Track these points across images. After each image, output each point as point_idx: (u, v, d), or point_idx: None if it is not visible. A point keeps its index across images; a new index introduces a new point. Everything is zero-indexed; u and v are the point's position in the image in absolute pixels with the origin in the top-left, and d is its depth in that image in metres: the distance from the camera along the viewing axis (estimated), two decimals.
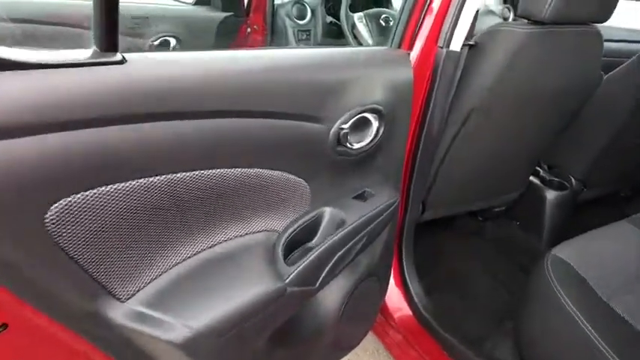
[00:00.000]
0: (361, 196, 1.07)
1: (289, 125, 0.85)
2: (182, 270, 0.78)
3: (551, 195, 1.89)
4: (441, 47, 1.17)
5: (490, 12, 2.39)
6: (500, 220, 2.10)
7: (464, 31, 1.16)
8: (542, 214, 1.93)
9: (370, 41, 2.40)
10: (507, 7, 2.38)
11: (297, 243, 0.95)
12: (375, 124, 0.99)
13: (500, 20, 2.36)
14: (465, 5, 1.12)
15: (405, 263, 1.44)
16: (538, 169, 1.95)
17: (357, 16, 2.46)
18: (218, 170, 0.77)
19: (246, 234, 0.87)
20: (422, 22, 1.12)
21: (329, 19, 2.65)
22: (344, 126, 0.93)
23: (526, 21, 1.24)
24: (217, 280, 0.80)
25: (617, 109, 1.65)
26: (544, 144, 1.70)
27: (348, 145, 0.96)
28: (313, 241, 0.96)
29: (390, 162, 1.13)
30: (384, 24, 2.49)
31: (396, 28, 1.10)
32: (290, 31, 2.41)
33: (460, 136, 1.42)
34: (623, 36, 2.17)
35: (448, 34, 1.15)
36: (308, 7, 2.52)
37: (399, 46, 1.11)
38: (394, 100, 1.03)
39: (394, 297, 1.49)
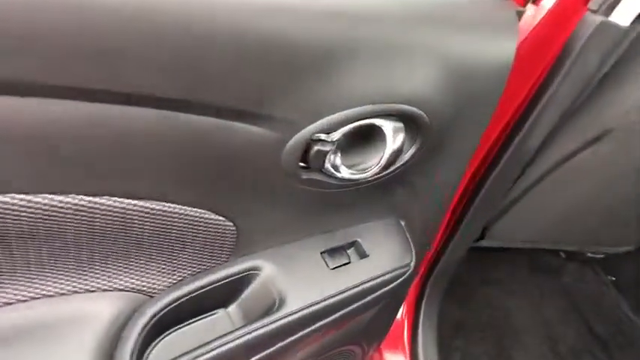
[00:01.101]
0: (342, 252, 0.61)
1: (205, 125, 0.41)
2: None
3: None
4: (594, 11, 0.64)
5: None
6: (589, 266, 1.56)
7: None
8: None
9: None
10: None
11: (178, 323, 0.55)
12: (394, 141, 0.51)
13: None
14: None
15: (420, 329, 1.00)
16: None
17: None
18: (51, 197, 0.42)
19: (86, 290, 0.47)
20: None
21: None
22: (324, 137, 0.46)
23: None
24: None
25: None
26: None
27: (330, 169, 0.50)
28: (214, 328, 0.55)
29: (421, 196, 0.65)
30: None
31: None
32: None
33: (575, 161, 0.90)
34: None
35: None
36: None
37: None
38: (459, 98, 0.53)
39: None
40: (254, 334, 0.51)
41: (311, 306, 0.54)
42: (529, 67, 0.70)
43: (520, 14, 0.58)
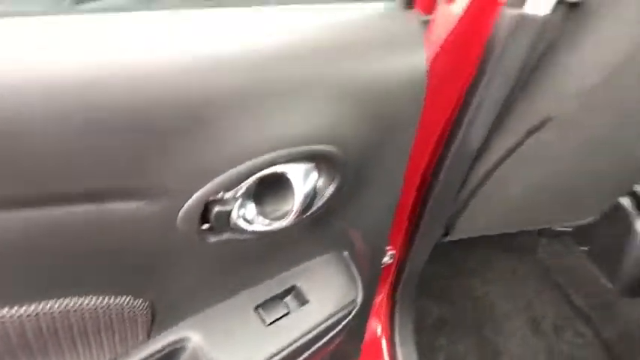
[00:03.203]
0: (279, 303, 0.57)
1: (79, 213, 0.37)
2: None
3: None
4: (507, 6, 0.61)
5: None
6: (561, 240, 1.55)
7: None
8: (626, 249, 1.38)
9: None
10: None
11: None
12: (304, 184, 0.47)
13: None
14: None
15: (398, 341, 0.98)
16: None
17: None
18: None
19: None
20: None
21: None
22: (225, 195, 0.42)
23: None
24: None
25: None
26: None
27: (241, 225, 0.46)
28: None
29: (360, 223, 0.62)
30: None
31: None
32: None
33: (520, 151, 0.88)
34: None
35: None
36: None
37: (408, 3, 0.53)
38: (374, 124, 0.50)
39: None
40: None
41: None
42: (455, 70, 0.67)
43: (426, 23, 0.55)
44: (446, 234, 1.19)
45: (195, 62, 0.37)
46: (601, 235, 1.46)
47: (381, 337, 1.05)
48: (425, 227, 0.95)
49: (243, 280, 0.55)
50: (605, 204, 1.32)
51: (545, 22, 0.63)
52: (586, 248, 1.55)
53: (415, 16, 0.52)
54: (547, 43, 0.68)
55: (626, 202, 1.37)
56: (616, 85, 0.73)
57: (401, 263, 1.02)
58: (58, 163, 0.34)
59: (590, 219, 1.35)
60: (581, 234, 1.53)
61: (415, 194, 0.90)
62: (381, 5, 0.51)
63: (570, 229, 1.52)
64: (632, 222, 1.35)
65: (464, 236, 1.23)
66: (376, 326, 1.06)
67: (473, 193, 1.04)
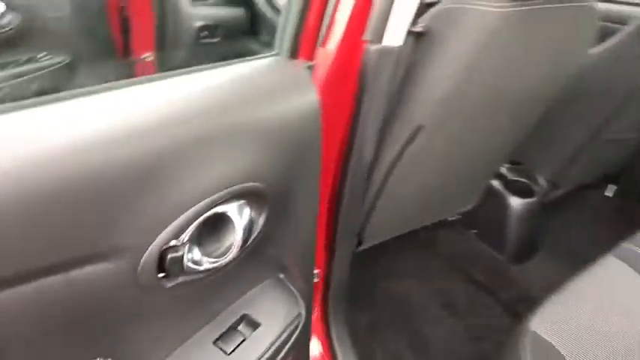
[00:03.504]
0: (235, 332, 0.62)
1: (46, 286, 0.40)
2: None
3: (515, 202, 1.56)
4: (371, 42, 0.72)
5: None
6: (455, 229, 1.75)
7: (406, 14, 0.72)
8: (505, 224, 1.60)
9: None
10: None
11: None
12: (242, 218, 0.54)
13: None
14: None
15: (339, 352, 1.04)
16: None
17: None
18: None
19: None
20: (328, 8, 0.65)
21: None
22: (175, 242, 0.47)
23: None
24: None
25: (603, 99, 1.29)
26: (512, 147, 1.33)
27: (192, 267, 0.51)
28: None
29: (288, 247, 0.69)
30: None
31: (285, 25, 0.62)
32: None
33: (404, 157, 1.02)
34: None
35: (378, 20, 0.70)
36: None
37: (293, 55, 0.63)
38: (287, 156, 0.58)
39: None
40: None
41: None
42: (340, 98, 0.78)
43: (311, 68, 0.65)
44: (359, 244, 1.29)
45: (134, 133, 0.43)
46: (483, 216, 1.67)
47: (323, 355, 1.11)
48: (340, 241, 1.04)
49: (199, 318, 0.59)
50: (480, 189, 1.54)
51: (401, 50, 0.78)
52: (475, 231, 1.77)
53: (301, 62, 0.63)
54: (406, 65, 0.82)
55: (496, 183, 1.61)
56: (462, 95, 0.90)
57: (326, 280, 1.10)
58: (21, 242, 0.37)
59: (472, 204, 1.56)
60: (468, 219, 1.73)
61: (327, 213, 0.99)
62: (272, 59, 0.60)
63: (460, 217, 1.72)
64: (504, 199, 1.59)
65: (375, 242, 1.34)
66: (316, 345, 1.12)
67: (375, 202, 1.16)
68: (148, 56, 1.87)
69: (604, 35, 1.29)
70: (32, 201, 0.37)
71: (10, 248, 0.37)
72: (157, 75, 0.51)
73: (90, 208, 0.41)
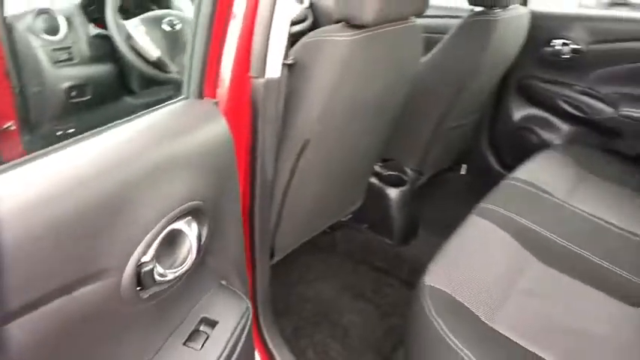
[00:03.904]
0: (199, 333, 0.72)
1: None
2: None
3: (393, 193, 1.81)
4: (256, 77, 0.87)
5: None
6: (349, 227, 1.96)
7: (279, 51, 0.89)
8: (388, 213, 1.85)
9: (155, 53, 1.95)
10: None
11: None
12: (191, 230, 0.65)
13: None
14: (275, 20, 0.84)
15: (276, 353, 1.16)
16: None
17: (131, 24, 1.97)
18: None
19: None
20: (221, 55, 0.80)
21: (96, 30, 2.09)
22: (145, 259, 0.58)
23: (342, 26, 1.03)
24: None
25: (439, 95, 1.62)
26: (381, 146, 1.58)
27: (159, 279, 0.61)
28: None
29: (224, 256, 0.81)
30: (169, 29, 2.06)
31: (190, 73, 0.75)
32: (41, 53, 1.80)
33: (298, 170, 1.18)
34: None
35: (259, 58, 0.86)
36: (60, 16, 1.92)
37: (199, 95, 0.77)
38: (214, 178, 0.71)
39: None
40: None
41: None
42: (241, 125, 0.92)
43: (216, 104, 0.79)
44: (272, 255, 1.41)
45: (99, 177, 0.53)
46: (370, 210, 1.89)
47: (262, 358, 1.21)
48: (259, 256, 1.15)
49: (168, 325, 0.67)
50: (364, 188, 1.77)
51: (280, 80, 0.95)
52: (366, 225, 1.99)
53: (208, 101, 0.76)
54: (286, 92, 1.00)
55: (374, 180, 1.84)
56: (332, 111, 1.10)
57: (253, 294, 1.20)
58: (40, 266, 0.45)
59: (360, 202, 1.78)
60: (359, 216, 1.93)
61: (247, 229, 1.10)
62: (184, 102, 0.73)
63: (351, 216, 1.93)
64: (383, 191, 1.84)
65: (286, 253, 1.47)
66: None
67: (279, 215, 1.30)
68: (10, 125, 1.81)
69: (431, 44, 1.62)
70: (43, 235, 0.46)
71: (36, 272, 0.45)
72: (88, 133, 0.60)
73: (81, 238, 0.50)
